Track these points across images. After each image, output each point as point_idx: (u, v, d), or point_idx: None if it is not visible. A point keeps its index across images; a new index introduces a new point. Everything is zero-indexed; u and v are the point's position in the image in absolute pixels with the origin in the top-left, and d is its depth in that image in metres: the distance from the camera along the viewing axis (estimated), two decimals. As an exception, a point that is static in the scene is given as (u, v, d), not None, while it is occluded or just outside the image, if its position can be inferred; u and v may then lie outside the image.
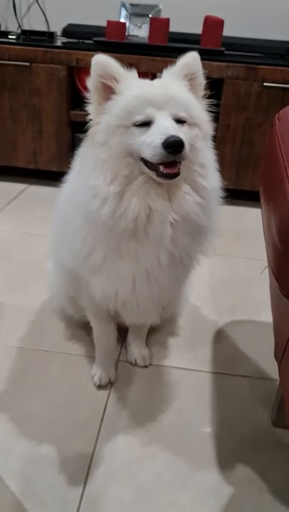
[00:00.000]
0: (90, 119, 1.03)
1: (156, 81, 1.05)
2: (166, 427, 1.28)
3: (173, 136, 0.92)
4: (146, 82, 1.04)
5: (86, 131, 1.05)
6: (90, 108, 1.03)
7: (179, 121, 1.00)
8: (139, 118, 0.97)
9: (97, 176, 1.00)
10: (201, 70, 1.06)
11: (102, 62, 1.00)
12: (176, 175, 0.97)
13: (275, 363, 1.13)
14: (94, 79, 1.00)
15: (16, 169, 2.85)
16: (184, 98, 1.01)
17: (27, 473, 1.12)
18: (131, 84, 1.01)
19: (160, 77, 1.11)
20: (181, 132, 0.97)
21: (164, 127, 0.95)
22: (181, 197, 1.03)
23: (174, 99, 0.99)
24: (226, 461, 1.19)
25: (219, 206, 1.13)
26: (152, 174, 0.99)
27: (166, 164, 0.95)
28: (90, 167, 1.02)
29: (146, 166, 0.98)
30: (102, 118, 1.01)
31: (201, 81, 1.06)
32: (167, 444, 1.22)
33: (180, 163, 0.97)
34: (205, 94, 1.08)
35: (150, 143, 0.95)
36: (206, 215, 1.06)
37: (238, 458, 1.20)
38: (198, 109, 1.05)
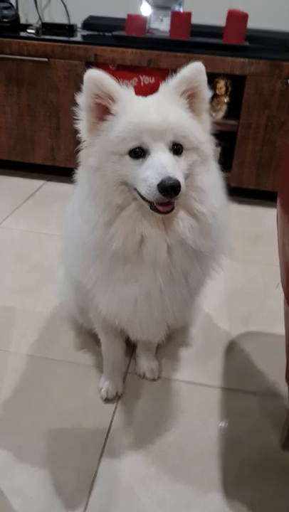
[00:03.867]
0: (82, 139, 0.99)
1: (153, 104, 0.96)
2: (172, 445, 1.25)
3: (170, 179, 0.87)
4: (143, 104, 0.97)
5: (78, 151, 1.00)
6: (81, 126, 0.98)
7: (177, 149, 0.94)
8: (134, 144, 0.92)
9: (89, 203, 0.98)
10: (205, 83, 0.98)
11: (97, 79, 0.93)
12: (167, 212, 0.94)
13: None
14: (88, 97, 0.94)
15: (33, 166, 2.84)
16: (182, 125, 0.94)
17: (29, 491, 1.12)
18: (127, 106, 0.94)
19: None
20: (178, 167, 0.92)
21: (160, 165, 0.89)
22: (175, 222, 0.99)
23: (172, 128, 0.92)
24: (231, 485, 1.16)
25: (225, 226, 1.08)
26: (146, 205, 0.95)
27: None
28: (84, 193, 1.01)
29: (140, 196, 0.95)
30: (96, 141, 0.96)
31: (204, 95, 0.99)
32: (172, 464, 1.20)
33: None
34: (209, 108, 1.01)
35: (145, 179, 0.90)
36: (207, 238, 1.02)
37: (245, 482, 1.17)
38: (197, 132, 0.97)
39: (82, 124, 0.98)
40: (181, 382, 1.45)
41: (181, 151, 0.96)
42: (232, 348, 1.61)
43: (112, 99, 0.94)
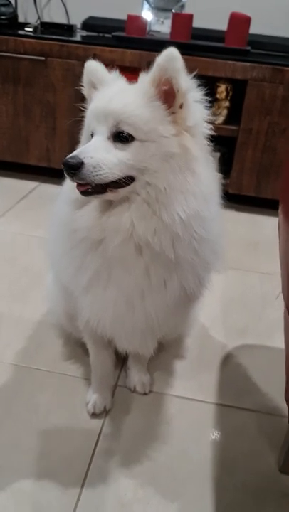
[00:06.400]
0: None
1: (114, 91, 0.94)
2: (163, 466, 1.17)
3: (72, 158, 0.86)
4: (108, 91, 0.95)
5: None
6: None
7: (124, 137, 0.89)
8: (91, 129, 0.94)
9: (66, 180, 0.98)
10: (179, 72, 0.86)
11: (89, 69, 0.99)
12: (85, 193, 0.91)
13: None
14: (84, 85, 1.01)
15: (27, 166, 2.77)
16: (129, 112, 0.88)
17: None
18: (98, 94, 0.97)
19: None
20: (110, 153, 0.88)
21: (86, 145, 0.90)
22: (141, 221, 0.92)
23: (112, 114, 0.89)
24: (226, 510, 1.08)
25: (209, 241, 0.96)
26: None
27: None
28: None
29: None
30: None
31: (179, 86, 0.87)
32: (162, 486, 1.12)
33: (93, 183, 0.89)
34: (181, 105, 0.89)
35: None
36: (176, 247, 0.92)
37: (240, 507, 1.09)
38: (158, 124, 0.88)
39: None
40: (174, 397, 1.37)
41: (130, 141, 0.89)
42: (228, 362, 1.53)
43: (95, 88, 0.98)
